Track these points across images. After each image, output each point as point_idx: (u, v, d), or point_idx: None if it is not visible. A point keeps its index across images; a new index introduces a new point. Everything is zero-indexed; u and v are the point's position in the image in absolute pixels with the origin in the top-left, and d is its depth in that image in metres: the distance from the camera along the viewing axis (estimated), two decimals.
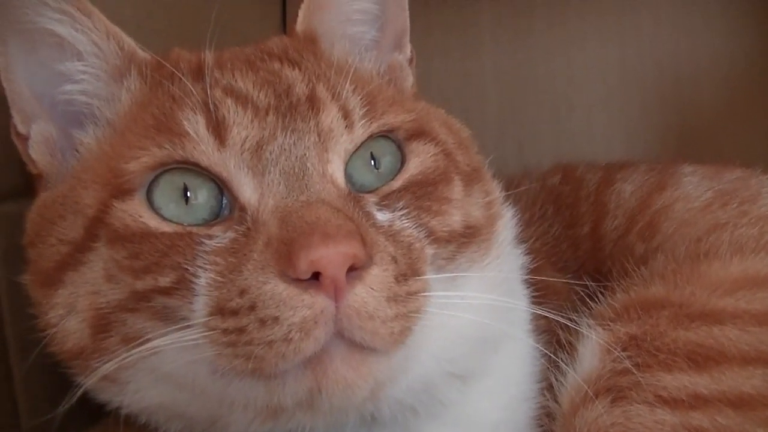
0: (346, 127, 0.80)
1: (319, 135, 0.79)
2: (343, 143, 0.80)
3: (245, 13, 1.51)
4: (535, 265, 0.95)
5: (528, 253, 0.96)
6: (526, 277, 0.94)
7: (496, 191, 0.93)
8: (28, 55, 0.86)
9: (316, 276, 0.68)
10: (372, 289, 0.70)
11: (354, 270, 0.69)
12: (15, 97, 0.88)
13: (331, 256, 0.68)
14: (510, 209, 0.95)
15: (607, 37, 1.70)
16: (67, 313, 0.80)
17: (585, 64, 1.69)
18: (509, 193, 0.96)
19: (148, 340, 0.75)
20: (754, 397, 0.79)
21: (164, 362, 0.76)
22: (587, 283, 0.95)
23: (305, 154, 0.77)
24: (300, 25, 0.94)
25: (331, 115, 0.80)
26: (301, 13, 0.95)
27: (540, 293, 0.93)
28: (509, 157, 1.64)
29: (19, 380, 1.00)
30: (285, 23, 1.65)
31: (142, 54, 0.88)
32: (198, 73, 0.84)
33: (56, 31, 0.85)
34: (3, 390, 0.99)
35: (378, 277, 0.71)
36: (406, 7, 0.98)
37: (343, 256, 0.68)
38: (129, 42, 0.88)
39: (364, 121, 0.82)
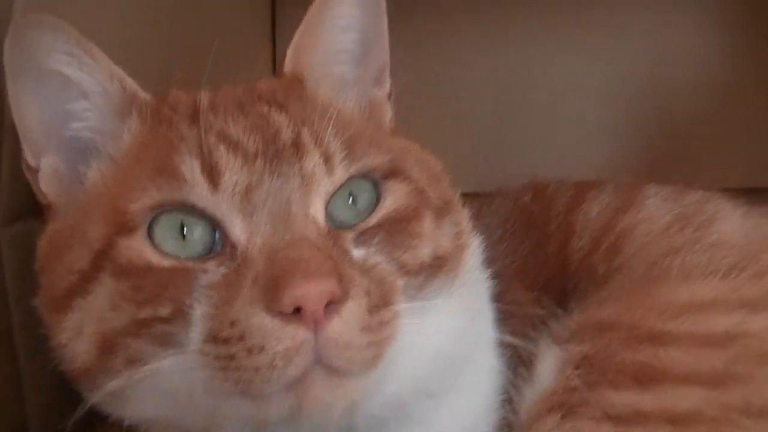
0: (327, 171, 0.87)
1: (302, 179, 0.85)
2: (324, 186, 0.86)
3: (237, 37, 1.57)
4: (502, 288, 1.02)
5: (495, 276, 1.02)
6: (492, 302, 1.00)
7: (465, 220, 0.99)
8: (36, 94, 0.92)
9: (298, 310, 0.76)
10: (347, 322, 0.78)
11: (331, 304, 0.77)
12: (25, 131, 0.94)
13: (311, 293, 0.75)
14: (477, 237, 1.01)
15: (592, 48, 1.75)
16: (76, 336, 0.86)
17: (569, 74, 1.75)
18: (486, 200, 1.01)
19: (149, 362, 0.82)
20: (689, 415, 0.86)
21: (163, 381, 0.83)
22: (548, 301, 1.02)
23: (290, 197, 0.84)
24: (287, 66, 1.00)
25: (313, 161, 0.86)
26: (288, 53, 1.00)
27: (505, 312, 1.00)
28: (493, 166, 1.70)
29: (29, 388, 1.07)
30: (274, 39, 1.71)
31: (143, 95, 0.94)
32: (194, 117, 0.90)
33: (63, 72, 0.91)
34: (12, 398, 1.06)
35: (352, 310, 0.79)
36: (387, 44, 1.03)
37: (321, 293, 0.76)
38: (131, 82, 0.94)
39: (344, 164, 0.88)
